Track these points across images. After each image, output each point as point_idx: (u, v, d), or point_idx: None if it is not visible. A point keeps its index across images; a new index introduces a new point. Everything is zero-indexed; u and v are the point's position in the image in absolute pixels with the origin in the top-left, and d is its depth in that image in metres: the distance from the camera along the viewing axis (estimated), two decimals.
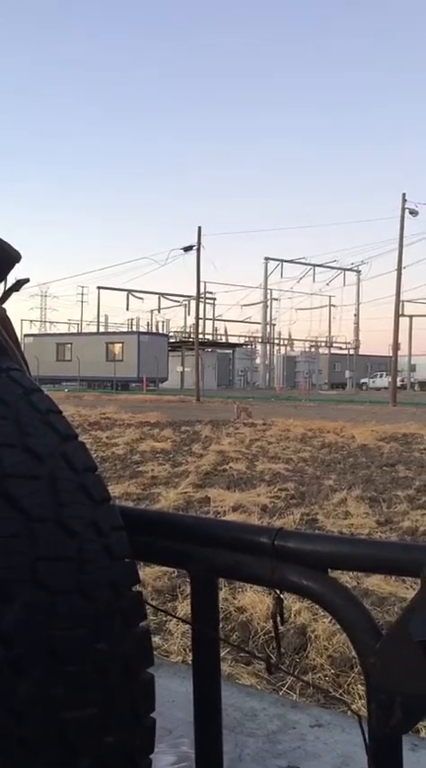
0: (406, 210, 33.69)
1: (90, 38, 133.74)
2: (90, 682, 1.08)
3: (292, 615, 3.45)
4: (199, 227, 37.37)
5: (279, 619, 1.30)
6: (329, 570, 1.24)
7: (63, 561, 1.08)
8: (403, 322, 44.33)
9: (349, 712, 2.42)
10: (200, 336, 44.70)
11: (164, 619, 3.50)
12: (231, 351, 65.22)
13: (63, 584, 1.06)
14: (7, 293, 1.44)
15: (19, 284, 1.46)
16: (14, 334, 1.45)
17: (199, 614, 1.42)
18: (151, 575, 4.18)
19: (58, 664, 1.04)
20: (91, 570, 1.11)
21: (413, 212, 33.98)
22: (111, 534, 1.17)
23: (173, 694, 2.36)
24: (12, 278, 1.45)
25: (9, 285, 1.46)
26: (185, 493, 7.26)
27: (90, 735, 1.08)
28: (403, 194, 33.77)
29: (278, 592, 1.30)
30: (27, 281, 1.48)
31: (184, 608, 3.56)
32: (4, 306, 1.43)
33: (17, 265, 1.43)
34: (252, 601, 3.60)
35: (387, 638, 1.11)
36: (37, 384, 1.28)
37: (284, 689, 2.79)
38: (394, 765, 1.14)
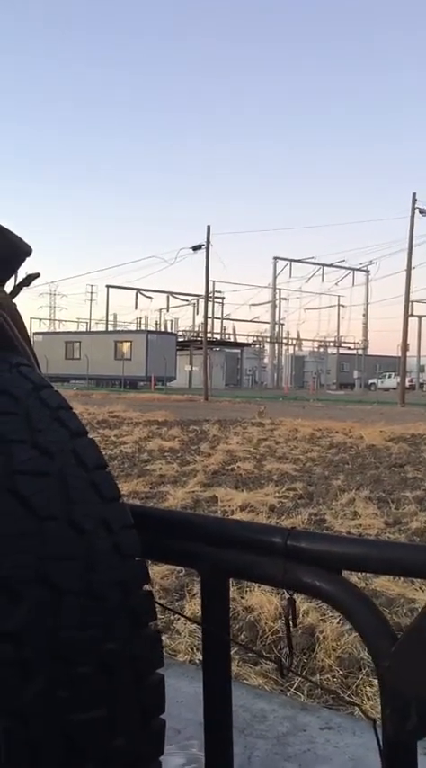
0: (416, 210, 33.51)
1: (91, 42, 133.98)
2: (98, 683, 1.06)
3: (300, 615, 3.42)
4: (209, 226, 37.26)
5: (291, 620, 1.28)
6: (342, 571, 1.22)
7: (72, 560, 1.06)
8: (412, 322, 44.20)
9: (359, 715, 2.39)
10: (209, 335, 44.63)
11: (172, 617, 3.48)
12: (239, 350, 65.12)
13: (72, 584, 1.05)
14: (18, 288, 1.43)
15: (29, 279, 1.45)
16: (25, 329, 1.43)
17: (209, 615, 1.40)
18: (159, 573, 4.17)
19: (66, 664, 1.02)
20: (100, 569, 1.09)
21: (423, 212, 33.80)
22: (122, 533, 1.15)
23: (181, 695, 2.34)
24: (22, 272, 1.43)
25: (20, 280, 1.44)
26: (193, 492, 7.24)
27: (98, 736, 1.06)
28: (414, 194, 33.62)
29: (290, 593, 1.28)
30: (38, 275, 1.46)
31: (192, 607, 3.54)
32: (14, 301, 1.41)
33: (27, 260, 1.42)
34: (260, 600, 3.58)
35: (403, 641, 1.09)
36: (47, 380, 1.26)
37: (292, 689, 2.77)
38: None
